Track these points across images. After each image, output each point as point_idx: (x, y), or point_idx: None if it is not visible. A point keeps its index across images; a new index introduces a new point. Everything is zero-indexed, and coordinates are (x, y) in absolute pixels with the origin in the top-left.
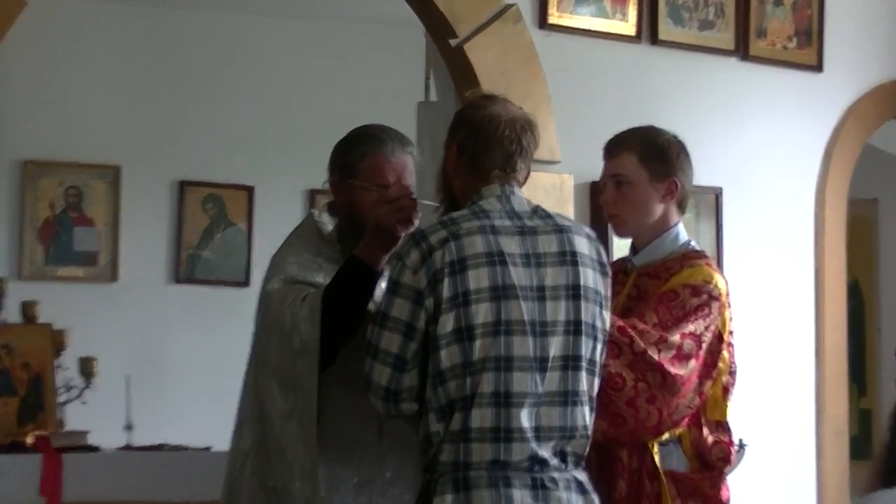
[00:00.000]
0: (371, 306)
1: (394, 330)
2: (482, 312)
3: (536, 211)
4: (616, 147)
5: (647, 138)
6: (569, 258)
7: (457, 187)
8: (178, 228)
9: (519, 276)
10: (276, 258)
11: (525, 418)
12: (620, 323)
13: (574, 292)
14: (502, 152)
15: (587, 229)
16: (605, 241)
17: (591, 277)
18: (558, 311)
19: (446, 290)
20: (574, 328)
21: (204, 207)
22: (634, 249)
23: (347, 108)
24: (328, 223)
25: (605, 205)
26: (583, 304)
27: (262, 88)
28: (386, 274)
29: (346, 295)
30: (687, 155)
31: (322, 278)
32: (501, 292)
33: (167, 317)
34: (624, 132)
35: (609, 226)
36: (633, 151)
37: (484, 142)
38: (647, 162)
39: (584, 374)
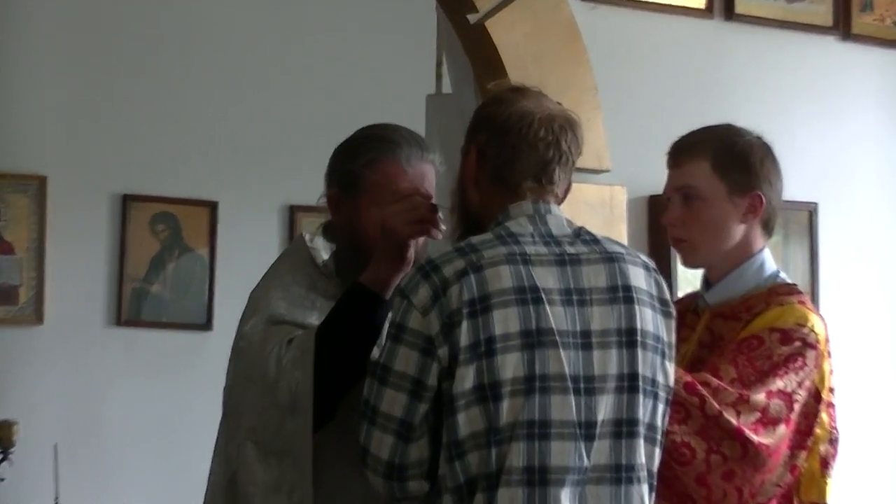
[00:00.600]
0: (376, 351)
1: (398, 387)
2: (511, 365)
3: (580, 234)
4: (684, 152)
5: (723, 141)
6: (621, 294)
7: (477, 205)
8: (119, 256)
9: (558, 317)
10: (258, 292)
11: (566, 500)
12: (688, 378)
13: (629, 338)
14: (536, 159)
15: (644, 258)
16: (667, 273)
17: (649, 319)
18: (608, 363)
19: (465, 336)
20: (629, 384)
21: (153, 229)
22: (707, 283)
23: (337, 104)
24: (323, 250)
25: (669, 226)
26: (640, 353)
27: (229, 78)
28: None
29: (347, 332)
30: (774, 161)
31: (316, 319)
32: (535, 339)
33: (106, 368)
34: (694, 133)
35: (674, 253)
36: (706, 157)
37: (512, 146)
38: (724, 171)
39: (641, 444)
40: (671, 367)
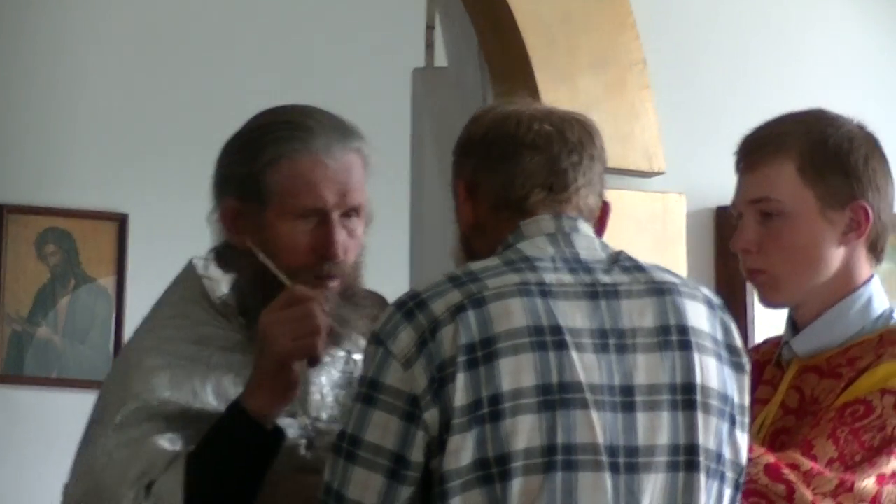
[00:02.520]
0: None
1: (371, 466)
2: (524, 432)
3: (618, 260)
4: (759, 151)
5: (811, 134)
6: (675, 338)
7: (488, 253)
8: None
9: (588, 368)
10: (130, 353)
11: None
12: (771, 458)
13: (685, 397)
14: (542, 160)
15: (707, 292)
16: (741, 313)
17: (714, 372)
18: (658, 431)
19: (461, 393)
20: (686, 459)
21: (40, 251)
22: (794, 327)
23: (292, 83)
24: (221, 281)
25: (742, 252)
26: (700, 417)
27: (143, 55)
28: (333, 375)
29: (222, 478)
30: (883, 159)
31: (211, 392)
32: (557, 396)
33: None
34: (771, 124)
35: (750, 288)
36: (790, 158)
37: (503, 157)
38: (815, 176)
39: None
40: (744, 440)
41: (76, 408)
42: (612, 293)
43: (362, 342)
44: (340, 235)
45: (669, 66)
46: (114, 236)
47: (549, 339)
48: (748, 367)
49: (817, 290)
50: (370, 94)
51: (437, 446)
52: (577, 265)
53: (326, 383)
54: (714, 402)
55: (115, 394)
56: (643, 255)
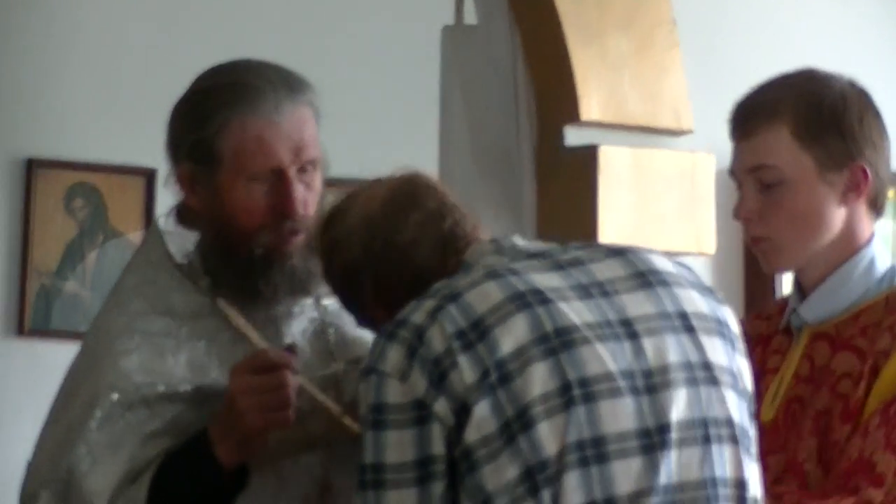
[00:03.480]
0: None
1: (400, 484)
2: (537, 379)
3: (570, 245)
4: (753, 118)
5: (805, 96)
6: (652, 279)
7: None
8: (22, 242)
9: (579, 311)
10: (100, 334)
11: None
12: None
13: (684, 322)
14: (427, 241)
15: (689, 270)
16: (765, 290)
17: (699, 300)
18: (666, 351)
19: (468, 373)
20: (705, 375)
21: (68, 205)
22: (800, 291)
23: (321, 41)
24: (184, 240)
25: (744, 221)
26: (704, 337)
27: (175, 8)
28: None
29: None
30: (877, 115)
31: (185, 366)
32: (557, 341)
33: (4, 394)
34: (764, 89)
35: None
36: (785, 123)
37: (396, 259)
38: (811, 139)
39: (743, 453)
40: (744, 362)
41: None
42: (577, 262)
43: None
44: (299, 192)
45: (699, 26)
46: (142, 191)
47: (532, 299)
48: (740, 346)
49: (821, 253)
50: (399, 53)
51: (455, 430)
52: (533, 256)
53: (297, 332)
54: (712, 325)
55: (89, 381)
56: (671, 214)
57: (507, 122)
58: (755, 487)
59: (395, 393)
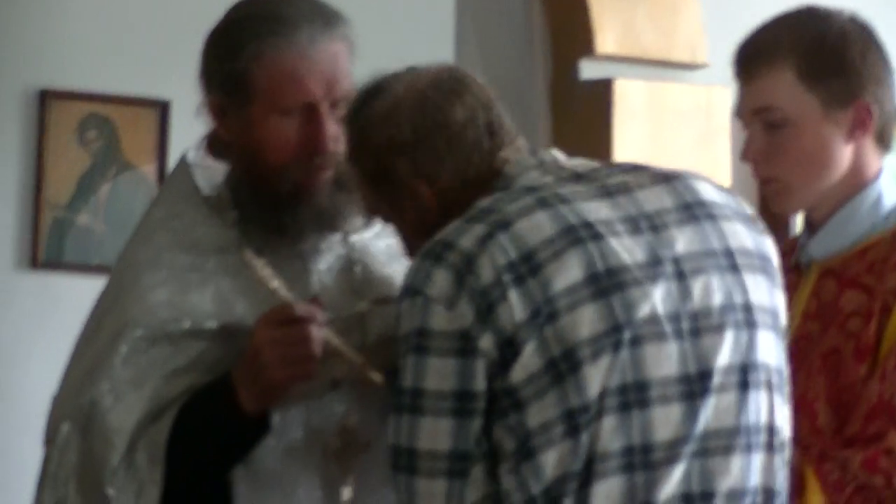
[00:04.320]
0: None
1: (438, 412)
2: (584, 323)
3: (616, 166)
4: (756, 60)
5: (806, 35)
6: (699, 212)
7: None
8: (35, 174)
9: (630, 249)
10: (127, 267)
11: (679, 483)
12: (868, 454)
13: (729, 261)
14: (474, 125)
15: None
16: (780, 225)
17: (743, 234)
18: (711, 291)
19: (518, 309)
20: (747, 315)
21: (81, 137)
22: (810, 227)
23: None
24: (213, 173)
25: (752, 163)
26: (748, 276)
27: None
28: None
29: (203, 448)
30: (879, 49)
31: (210, 301)
32: (607, 282)
33: (15, 324)
34: (765, 30)
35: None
36: (788, 64)
37: (446, 139)
38: (815, 79)
39: (776, 397)
40: (781, 298)
41: None
42: (624, 188)
43: (357, 224)
44: (330, 128)
45: None
46: (155, 123)
47: (583, 234)
48: (765, 228)
49: (830, 191)
50: (413, 15)
51: (499, 367)
52: (579, 177)
53: (323, 268)
54: (756, 261)
55: (114, 314)
56: (686, 148)
57: (521, 55)
58: (785, 431)
59: (440, 320)
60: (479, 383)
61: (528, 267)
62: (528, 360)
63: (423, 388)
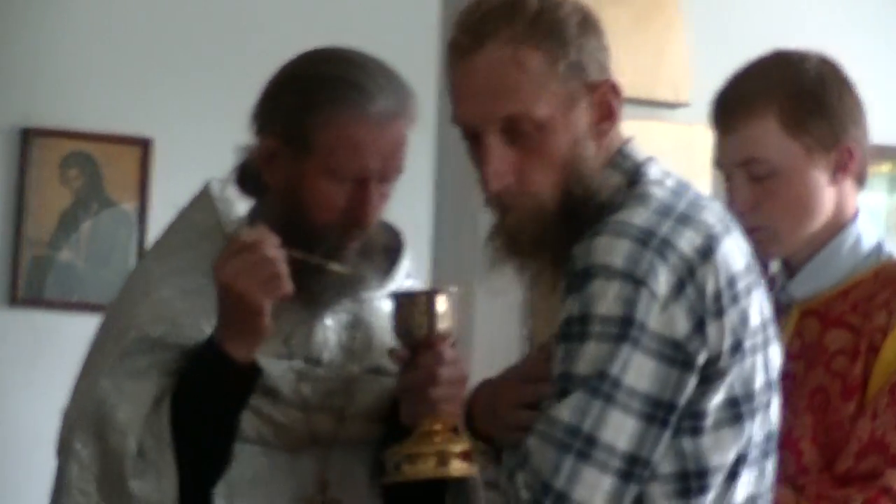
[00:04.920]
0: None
1: (628, 409)
2: (759, 369)
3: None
4: (738, 110)
5: (786, 85)
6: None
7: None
8: (17, 210)
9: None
10: (138, 280)
11: (769, 474)
12: (868, 495)
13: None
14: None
15: None
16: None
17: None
18: (765, 302)
19: (727, 336)
20: (772, 325)
21: (64, 174)
22: (788, 268)
23: (314, 9)
24: (237, 210)
25: (738, 215)
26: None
27: None
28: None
29: (205, 416)
30: (851, 89)
31: (211, 328)
32: (766, 333)
33: None
34: (740, 80)
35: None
36: (771, 113)
37: (602, 45)
38: (798, 127)
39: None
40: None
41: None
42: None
43: (373, 283)
44: (374, 202)
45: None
46: (137, 161)
47: (755, 276)
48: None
49: (813, 234)
50: (385, 18)
51: (696, 388)
52: (695, 203)
53: (330, 323)
54: (760, 276)
55: (120, 321)
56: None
57: None
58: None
59: (655, 319)
60: (682, 399)
61: (731, 294)
62: (720, 390)
63: (621, 379)
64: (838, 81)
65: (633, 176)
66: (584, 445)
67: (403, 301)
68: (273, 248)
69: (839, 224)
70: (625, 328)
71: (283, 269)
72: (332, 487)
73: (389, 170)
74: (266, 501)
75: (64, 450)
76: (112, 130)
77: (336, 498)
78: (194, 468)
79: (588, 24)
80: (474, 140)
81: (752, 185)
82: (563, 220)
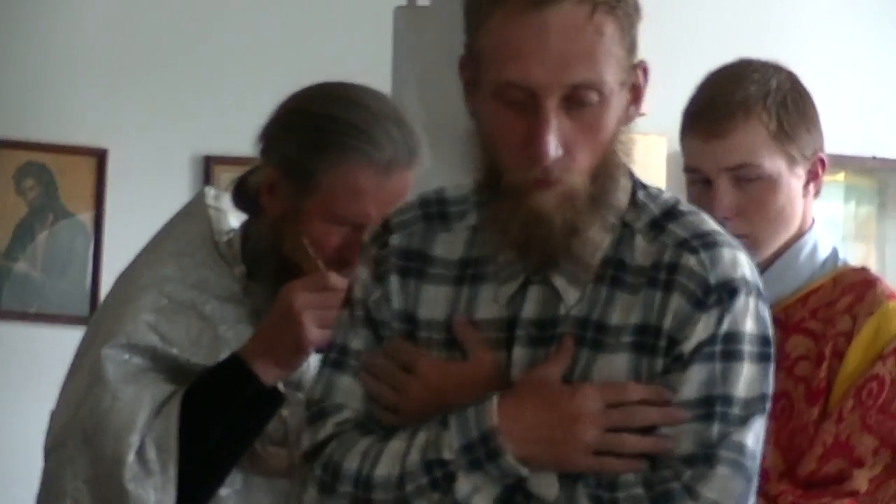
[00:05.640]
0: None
1: (763, 414)
2: None
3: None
4: (729, 118)
5: (774, 93)
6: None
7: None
8: None
9: None
10: (128, 287)
11: None
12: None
13: None
14: None
15: None
16: None
17: None
18: None
19: None
20: None
21: (19, 185)
22: None
23: (276, 20)
24: (229, 221)
25: (723, 220)
26: None
27: None
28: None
29: (218, 429)
30: (810, 95)
31: (200, 343)
32: None
33: None
34: (729, 85)
35: None
36: (762, 121)
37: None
38: (786, 136)
39: None
40: None
41: (54, 342)
42: None
43: None
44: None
45: (652, 10)
46: (93, 171)
47: None
48: None
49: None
50: (352, 32)
51: None
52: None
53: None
54: None
55: (108, 326)
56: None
57: (462, 105)
58: None
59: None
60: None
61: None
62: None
63: (768, 393)
64: (806, 91)
65: (632, 177)
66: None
67: None
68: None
69: (798, 233)
70: (766, 346)
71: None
72: None
73: (385, 214)
74: None
75: (54, 454)
76: (67, 141)
77: None
78: (192, 481)
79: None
80: (519, 104)
81: (737, 190)
82: (588, 210)
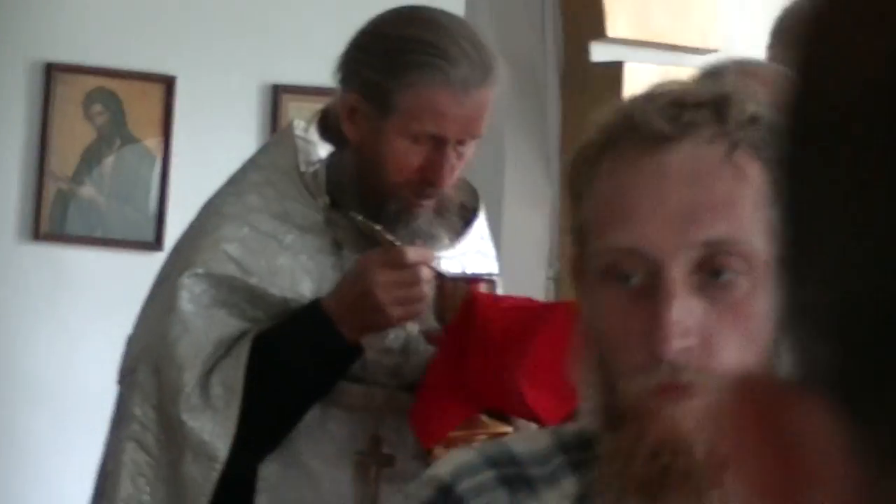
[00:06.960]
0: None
1: None
2: None
3: None
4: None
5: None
6: None
7: None
8: (39, 146)
9: None
10: (211, 215)
11: None
12: None
13: None
14: None
15: None
16: None
17: None
18: None
19: None
20: None
21: (87, 111)
22: None
23: None
24: (318, 152)
25: None
26: None
27: None
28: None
29: (292, 378)
30: None
31: (280, 273)
32: None
33: (17, 299)
34: None
35: None
36: None
37: None
38: None
39: None
40: None
41: (118, 267)
42: None
43: (443, 243)
44: (451, 163)
45: None
46: (161, 98)
47: None
48: None
49: None
50: None
51: None
52: None
53: None
54: None
55: (188, 255)
56: None
57: (534, 36)
58: None
59: None
60: None
61: None
62: None
63: None
64: None
65: None
66: None
67: (442, 284)
68: (428, 272)
69: None
70: None
71: (429, 293)
72: (385, 444)
73: (468, 134)
74: (318, 454)
75: (127, 379)
76: (136, 67)
77: (389, 454)
78: (258, 423)
79: None
80: (637, 287)
81: None
82: None
